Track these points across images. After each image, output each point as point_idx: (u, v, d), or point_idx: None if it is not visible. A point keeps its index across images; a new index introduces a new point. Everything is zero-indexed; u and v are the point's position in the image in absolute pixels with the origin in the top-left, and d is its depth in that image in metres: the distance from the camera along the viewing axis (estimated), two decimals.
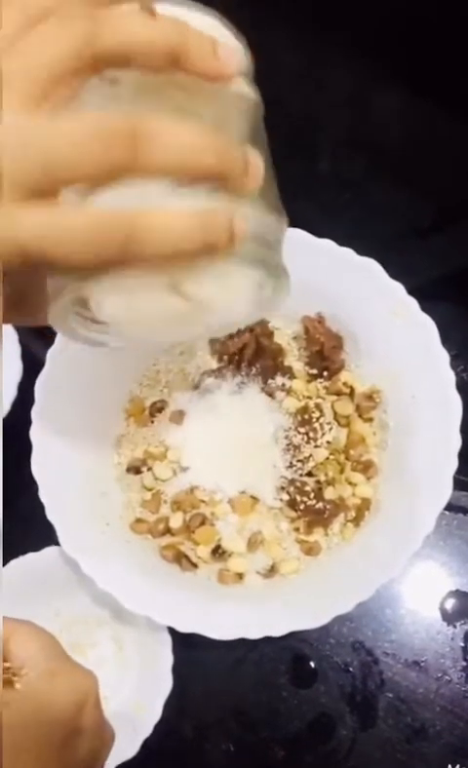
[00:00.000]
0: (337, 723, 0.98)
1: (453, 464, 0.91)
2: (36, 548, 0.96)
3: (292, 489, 0.98)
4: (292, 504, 0.98)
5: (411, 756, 0.97)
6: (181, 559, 0.96)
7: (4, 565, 0.95)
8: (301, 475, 0.99)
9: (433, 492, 0.91)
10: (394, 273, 0.97)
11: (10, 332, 1.04)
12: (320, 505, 0.97)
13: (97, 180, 0.42)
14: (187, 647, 0.95)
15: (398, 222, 1.20)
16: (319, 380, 1.04)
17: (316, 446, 1.00)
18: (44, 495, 0.90)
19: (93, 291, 0.48)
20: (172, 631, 0.92)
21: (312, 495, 0.97)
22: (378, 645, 1.01)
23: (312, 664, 1.00)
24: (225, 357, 1.03)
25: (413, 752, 0.97)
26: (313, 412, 1.01)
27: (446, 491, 0.90)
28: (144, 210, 0.43)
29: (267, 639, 0.88)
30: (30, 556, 0.97)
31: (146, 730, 0.91)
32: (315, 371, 1.04)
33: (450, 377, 0.94)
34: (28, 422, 0.92)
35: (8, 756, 0.62)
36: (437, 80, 1.19)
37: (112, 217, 0.42)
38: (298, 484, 0.98)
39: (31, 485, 0.90)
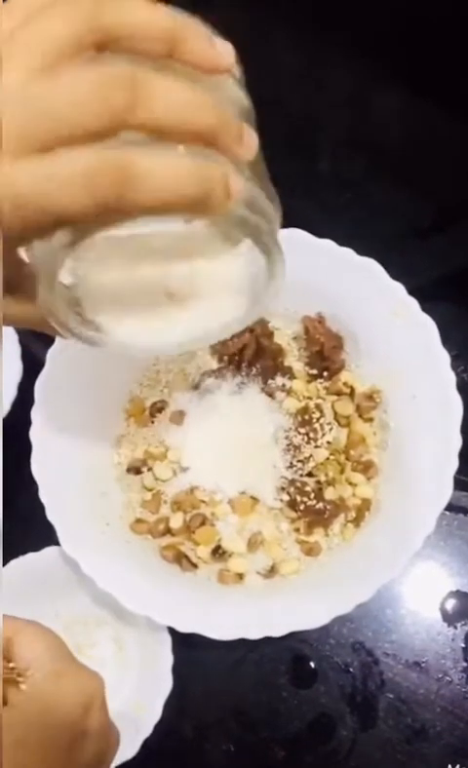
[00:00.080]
0: (338, 724, 0.98)
1: (454, 464, 0.91)
2: (36, 548, 0.96)
3: (292, 490, 0.98)
4: (292, 504, 0.98)
5: (412, 757, 0.97)
6: (181, 560, 0.96)
7: (4, 565, 0.95)
8: (301, 475, 0.99)
9: (433, 493, 0.91)
10: (394, 273, 0.97)
11: (10, 333, 1.04)
12: (320, 505, 0.97)
13: (96, 136, 0.42)
14: (187, 647, 0.95)
15: (398, 222, 1.20)
16: (319, 380, 1.04)
17: (316, 447, 1.00)
18: (44, 495, 0.90)
19: (77, 266, 0.48)
20: (172, 631, 0.92)
21: (312, 495, 0.97)
22: (379, 646, 1.01)
23: (312, 664, 1.00)
24: (225, 357, 1.03)
25: (414, 753, 0.97)
26: (313, 413, 1.01)
27: (446, 492, 0.90)
28: (143, 154, 0.43)
29: (267, 640, 0.88)
30: (30, 556, 0.97)
31: (146, 730, 0.91)
32: (315, 372, 1.04)
33: (451, 377, 0.94)
34: (28, 422, 0.92)
35: (13, 759, 0.62)
36: (437, 80, 1.19)
37: (111, 159, 0.41)
38: (299, 485, 0.98)
39: (31, 485, 0.90)
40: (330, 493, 0.98)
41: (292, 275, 0.97)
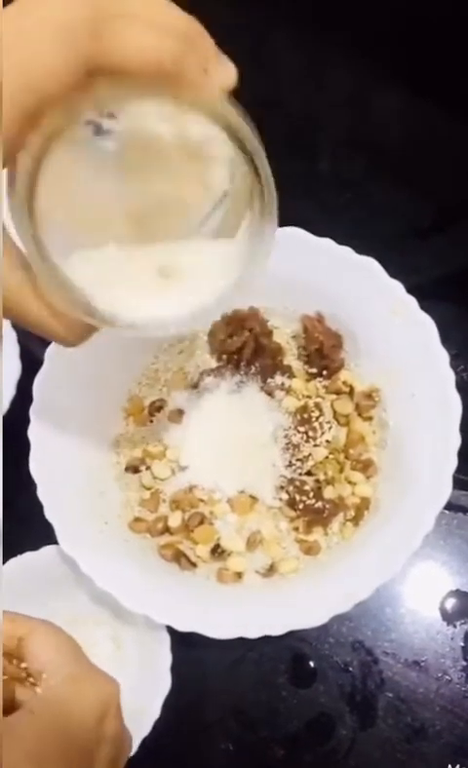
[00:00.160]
0: (337, 723, 0.98)
1: (453, 463, 0.90)
2: (34, 547, 0.96)
3: (291, 488, 0.98)
4: (291, 503, 0.98)
5: (411, 756, 0.97)
6: (180, 558, 0.96)
7: (2, 564, 0.95)
8: (301, 474, 0.99)
9: (432, 491, 0.91)
10: (394, 272, 0.96)
11: (9, 332, 1.04)
12: (319, 504, 0.97)
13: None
14: (186, 646, 0.94)
15: (398, 222, 1.20)
16: (318, 379, 1.04)
17: (315, 445, 1.00)
18: (42, 494, 0.90)
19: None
20: (170, 630, 0.91)
21: (311, 494, 0.97)
22: (378, 645, 1.00)
23: (312, 663, 1.00)
24: (224, 356, 1.03)
25: (413, 752, 0.97)
26: (312, 411, 1.01)
27: (445, 490, 0.90)
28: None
29: (266, 639, 0.87)
30: (29, 555, 0.97)
31: (145, 729, 0.91)
32: (314, 370, 1.04)
33: (450, 376, 0.93)
34: (27, 421, 0.91)
35: (28, 765, 0.62)
36: (437, 80, 1.19)
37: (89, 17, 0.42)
38: (298, 484, 0.98)
39: (30, 485, 0.90)
40: (329, 492, 0.98)
41: (291, 274, 0.98)
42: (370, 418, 1.02)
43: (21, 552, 0.96)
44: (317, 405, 1.02)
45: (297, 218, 0.97)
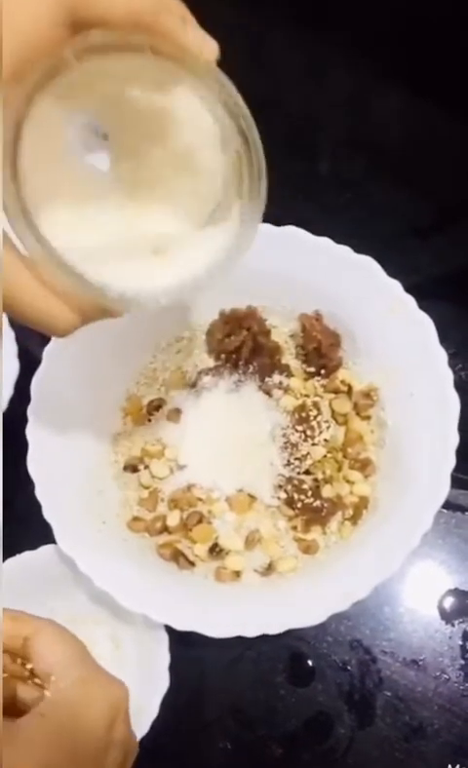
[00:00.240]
0: (335, 722, 0.98)
1: (451, 462, 0.91)
2: (33, 546, 0.96)
3: (289, 487, 0.98)
4: (289, 502, 0.98)
5: (409, 755, 0.97)
6: (178, 557, 0.96)
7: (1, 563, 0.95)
8: (299, 473, 0.99)
9: (431, 490, 0.91)
10: (393, 272, 0.97)
11: (7, 331, 1.04)
12: (317, 503, 0.97)
13: None
14: (184, 645, 0.94)
15: (398, 222, 1.20)
16: (316, 378, 1.04)
17: (313, 444, 1.00)
18: (41, 493, 0.90)
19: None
20: (169, 629, 0.91)
21: (310, 493, 0.97)
22: (376, 644, 1.00)
23: (310, 662, 1.00)
24: (222, 355, 1.03)
25: (412, 751, 0.97)
26: (310, 410, 1.01)
27: (443, 489, 0.90)
28: None
29: (265, 638, 0.87)
30: (27, 554, 0.97)
31: (143, 728, 0.91)
32: (312, 369, 1.04)
33: (448, 375, 0.93)
34: (25, 420, 0.91)
35: None
36: (437, 80, 1.19)
37: None
38: (296, 483, 0.98)
39: (28, 484, 0.90)
40: (327, 491, 0.98)
41: (289, 273, 0.98)
42: (368, 417, 1.02)
43: (20, 551, 0.96)
44: (315, 404, 1.02)
45: (297, 218, 0.97)
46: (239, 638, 0.87)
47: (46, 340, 0.93)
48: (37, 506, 0.90)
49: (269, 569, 0.97)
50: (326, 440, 1.01)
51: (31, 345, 1.01)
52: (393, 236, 1.17)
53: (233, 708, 0.99)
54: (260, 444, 1.00)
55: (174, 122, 0.54)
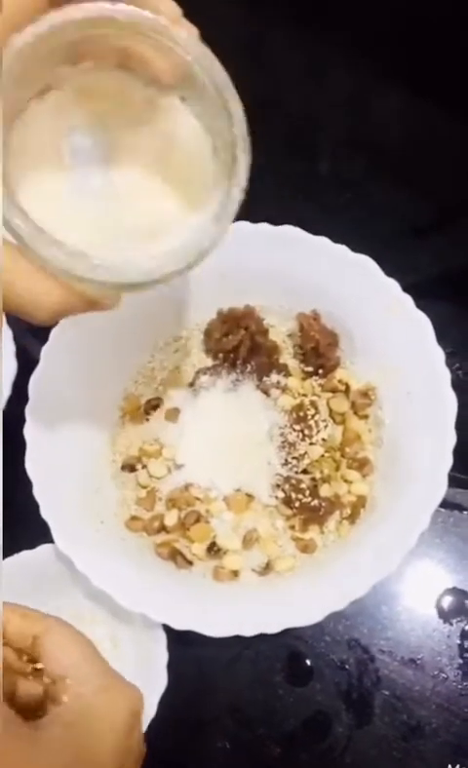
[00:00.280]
0: (333, 721, 0.98)
1: (448, 461, 0.90)
2: (31, 545, 0.96)
3: (287, 487, 0.98)
4: (287, 501, 0.98)
5: (408, 754, 0.97)
6: (176, 557, 0.96)
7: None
8: (297, 472, 0.99)
9: (428, 489, 0.91)
10: (393, 272, 0.97)
11: (5, 330, 1.04)
12: (315, 502, 0.97)
13: None
14: (183, 644, 0.94)
15: (398, 222, 1.20)
16: (314, 377, 1.04)
17: (311, 444, 1.00)
18: (38, 493, 0.90)
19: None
20: (167, 628, 0.92)
21: (307, 493, 0.97)
22: (374, 643, 1.00)
23: (308, 662, 1.00)
24: (220, 354, 1.03)
25: (410, 750, 0.97)
26: (308, 410, 1.01)
27: (441, 488, 0.90)
28: None
29: (263, 637, 0.87)
30: (25, 553, 0.97)
31: (142, 727, 0.91)
32: (310, 369, 1.04)
33: (445, 374, 0.93)
34: (23, 420, 0.92)
35: None
36: (437, 80, 1.19)
37: None
38: (294, 482, 0.98)
39: (26, 483, 0.90)
40: (325, 490, 0.98)
41: (286, 272, 0.98)
42: (365, 416, 1.02)
43: (17, 550, 0.96)
44: (313, 404, 1.02)
45: (297, 218, 0.97)
46: (237, 638, 0.87)
47: (44, 340, 0.93)
48: (35, 505, 0.90)
49: (267, 568, 0.97)
50: (323, 439, 1.01)
51: (29, 344, 1.02)
52: (392, 236, 1.17)
53: (231, 707, 0.99)
54: (258, 444, 1.00)
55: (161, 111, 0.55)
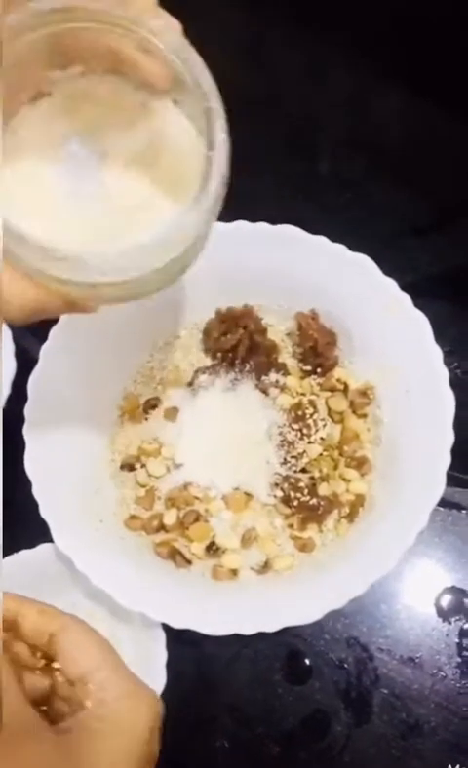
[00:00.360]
0: (332, 719, 0.98)
1: (446, 460, 0.90)
2: (30, 545, 0.96)
3: (285, 486, 0.98)
4: (285, 500, 0.98)
5: (406, 752, 0.97)
6: (175, 556, 0.96)
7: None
8: (295, 471, 0.99)
9: (427, 488, 0.91)
10: (391, 271, 0.97)
11: (5, 330, 1.04)
12: (314, 501, 0.97)
13: None
14: (181, 643, 0.94)
15: (398, 222, 1.20)
16: (312, 377, 1.04)
17: (310, 443, 1.00)
18: (38, 492, 0.90)
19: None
20: (166, 627, 0.92)
21: (306, 491, 0.97)
22: (373, 641, 1.01)
23: (307, 660, 1.00)
24: (219, 354, 1.03)
25: (408, 748, 0.97)
26: (307, 409, 1.01)
27: (439, 487, 0.90)
28: None
29: (262, 636, 0.87)
30: (24, 553, 0.97)
31: None
32: (309, 368, 1.04)
33: (444, 373, 0.93)
34: (22, 420, 0.92)
35: None
36: (437, 80, 1.19)
37: None
38: (292, 481, 0.98)
39: (25, 483, 0.90)
40: (323, 489, 0.99)
41: (285, 271, 0.98)
42: (364, 415, 1.02)
43: (17, 550, 0.96)
44: (311, 403, 1.02)
45: (297, 218, 0.97)
46: (236, 636, 0.87)
47: (43, 339, 0.93)
48: (34, 505, 0.90)
49: (266, 567, 0.97)
50: (322, 438, 1.01)
51: (28, 344, 1.02)
52: (392, 236, 1.17)
53: (230, 706, 0.99)
54: (257, 443, 1.00)
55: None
